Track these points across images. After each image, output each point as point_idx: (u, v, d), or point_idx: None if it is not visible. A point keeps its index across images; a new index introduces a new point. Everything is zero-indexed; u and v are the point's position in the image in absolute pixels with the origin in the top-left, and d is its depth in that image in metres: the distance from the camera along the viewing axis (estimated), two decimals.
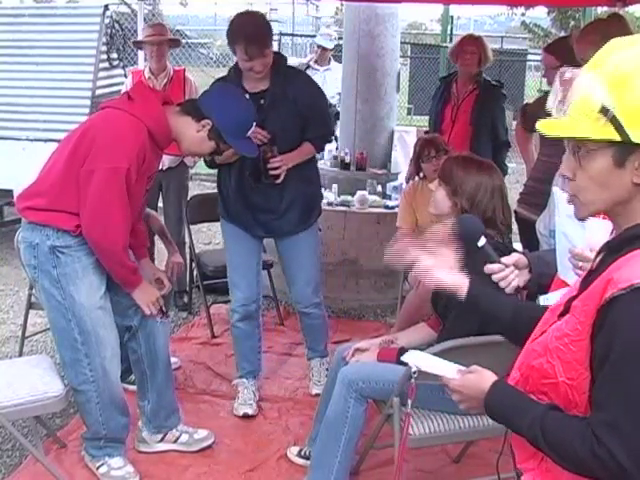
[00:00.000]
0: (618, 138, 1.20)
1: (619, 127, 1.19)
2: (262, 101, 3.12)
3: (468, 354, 2.00)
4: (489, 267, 1.87)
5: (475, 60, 4.34)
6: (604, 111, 1.19)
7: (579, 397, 1.27)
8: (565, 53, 3.31)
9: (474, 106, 4.33)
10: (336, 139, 5.46)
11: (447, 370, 1.57)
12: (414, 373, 1.77)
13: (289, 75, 3.20)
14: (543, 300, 1.96)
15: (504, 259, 1.88)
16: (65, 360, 2.70)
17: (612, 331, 1.19)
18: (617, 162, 1.23)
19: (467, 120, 4.34)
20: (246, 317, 3.36)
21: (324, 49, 6.63)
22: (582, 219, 1.36)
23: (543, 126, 1.28)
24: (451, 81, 4.52)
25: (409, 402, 1.98)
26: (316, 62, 6.70)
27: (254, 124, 2.87)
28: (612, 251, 1.30)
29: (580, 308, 1.27)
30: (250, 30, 3.00)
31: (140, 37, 4.63)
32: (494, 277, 1.87)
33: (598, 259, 1.35)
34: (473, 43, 4.35)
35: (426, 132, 4.67)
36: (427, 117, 5.09)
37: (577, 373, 1.26)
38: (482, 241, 1.88)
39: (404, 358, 1.76)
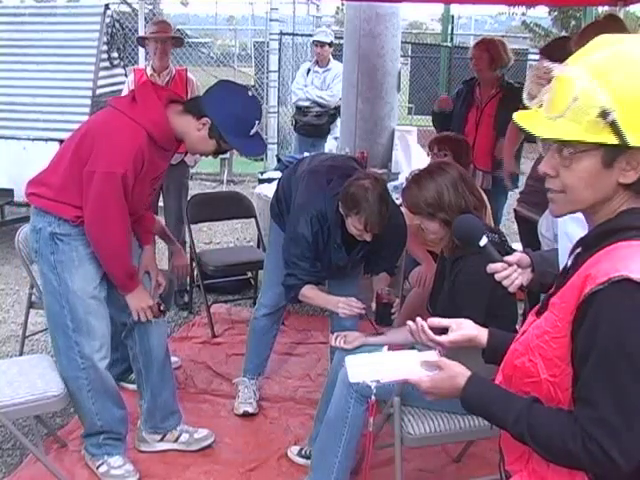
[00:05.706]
0: (615, 141, 1.18)
1: (618, 131, 1.17)
2: (355, 249, 3.01)
3: (468, 354, 2.00)
4: (492, 266, 1.86)
5: (484, 64, 4.30)
6: (604, 115, 1.17)
7: (562, 394, 1.27)
8: (562, 55, 3.29)
9: (497, 110, 4.29)
10: (336, 139, 5.45)
11: (410, 371, 1.47)
12: (374, 389, 1.61)
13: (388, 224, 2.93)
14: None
15: (507, 258, 1.87)
16: (59, 346, 2.71)
17: (593, 327, 1.19)
18: (605, 163, 1.22)
19: (491, 124, 4.31)
20: (271, 313, 3.36)
21: (322, 45, 6.57)
22: (558, 216, 1.35)
23: (532, 127, 1.25)
24: (474, 85, 4.47)
25: (370, 421, 1.84)
26: (316, 63, 6.67)
27: (257, 122, 2.70)
28: (587, 247, 1.30)
29: (558, 305, 1.27)
30: (377, 208, 2.71)
31: (142, 34, 4.62)
32: (497, 276, 1.86)
33: (573, 256, 1.35)
34: (482, 47, 4.33)
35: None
36: (428, 117, 5.08)
37: (559, 370, 1.26)
38: (484, 241, 1.88)
39: (349, 369, 1.66)
